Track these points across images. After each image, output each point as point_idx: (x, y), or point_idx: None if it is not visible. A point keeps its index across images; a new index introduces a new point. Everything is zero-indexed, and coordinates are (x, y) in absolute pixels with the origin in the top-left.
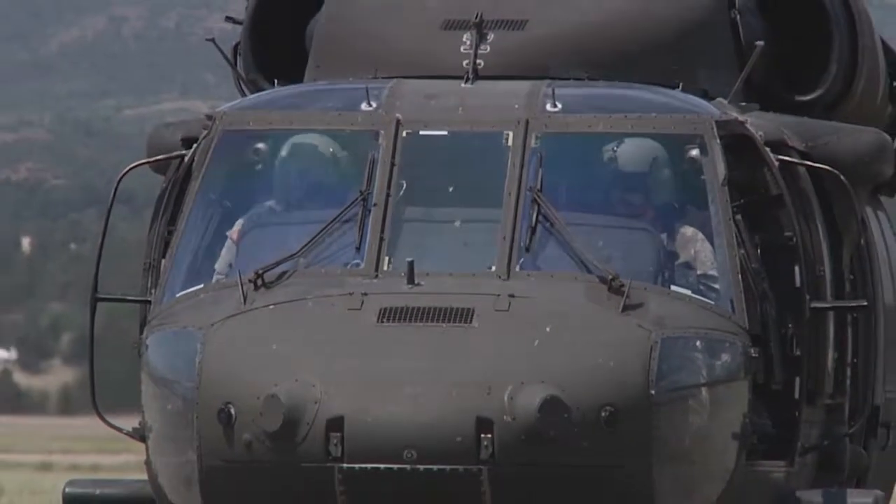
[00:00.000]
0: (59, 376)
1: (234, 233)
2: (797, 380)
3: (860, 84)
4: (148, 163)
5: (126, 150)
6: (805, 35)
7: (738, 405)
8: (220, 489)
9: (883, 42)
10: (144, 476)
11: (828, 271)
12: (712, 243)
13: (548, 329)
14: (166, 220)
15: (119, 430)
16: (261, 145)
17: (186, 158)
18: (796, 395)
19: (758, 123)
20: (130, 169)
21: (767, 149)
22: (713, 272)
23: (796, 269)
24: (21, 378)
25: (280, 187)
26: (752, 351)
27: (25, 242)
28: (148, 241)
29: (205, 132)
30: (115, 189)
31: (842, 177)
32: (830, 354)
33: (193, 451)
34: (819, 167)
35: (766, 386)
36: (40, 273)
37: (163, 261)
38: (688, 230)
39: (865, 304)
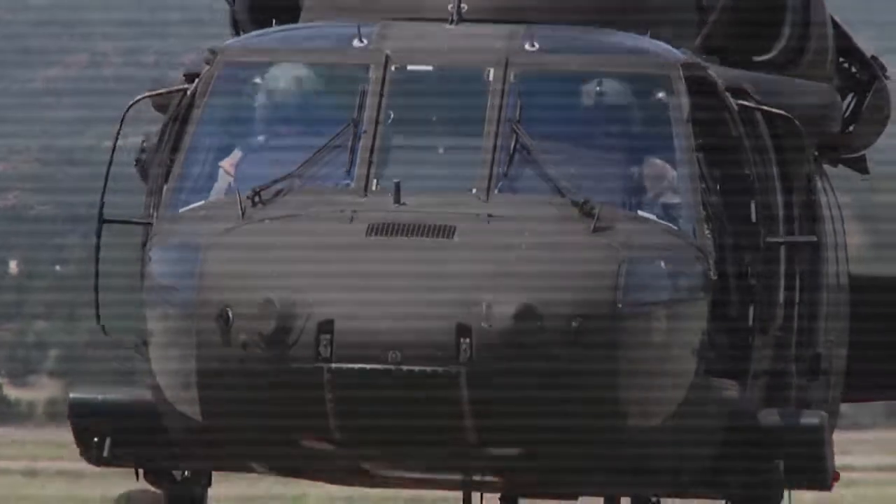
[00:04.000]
0: (45, 390)
1: (227, 163)
2: (751, 308)
3: (811, 48)
4: (154, 95)
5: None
6: (761, 2)
7: (697, 322)
8: (216, 389)
9: (833, 19)
10: None
11: (780, 210)
12: (677, 174)
13: (523, 245)
14: (169, 148)
15: (122, 342)
16: (259, 76)
17: (189, 91)
18: (750, 323)
19: (718, 71)
20: (138, 100)
21: (727, 93)
22: (677, 200)
23: (752, 204)
24: (10, 391)
25: (276, 115)
26: (712, 273)
27: (13, 265)
28: (151, 169)
29: (207, 65)
30: (123, 119)
31: (795, 121)
32: (782, 288)
33: (192, 354)
34: (775, 111)
35: (722, 312)
36: (27, 292)
37: (164, 186)
38: (654, 161)
39: (815, 238)
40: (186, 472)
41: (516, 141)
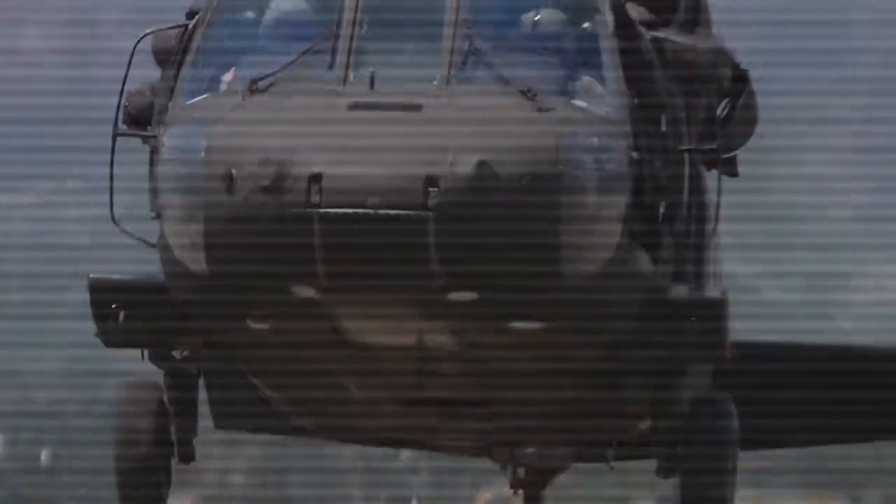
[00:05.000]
0: None
1: (227, 76)
2: (661, 203)
3: (703, 21)
4: (162, 30)
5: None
6: None
7: (622, 191)
8: (220, 237)
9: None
10: None
11: (686, 126)
12: (604, 76)
13: (480, 118)
14: (174, 73)
15: (131, 234)
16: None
17: (191, 25)
18: (660, 214)
19: (635, 10)
20: (147, 35)
21: (643, 28)
22: (605, 92)
23: (663, 119)
24: None
25: (268, 30)
26: (634, 154)
27: None
28: (160, 90)
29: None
30: (133, 51)
31: (699, 48)
32: (686, 189)
33: (200, 212)
34: (682, 43)
35: (640, 201)
36: None
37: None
38: (585, 62)
39: (716, 147)
40: (185, 352)
41: (470, 44)
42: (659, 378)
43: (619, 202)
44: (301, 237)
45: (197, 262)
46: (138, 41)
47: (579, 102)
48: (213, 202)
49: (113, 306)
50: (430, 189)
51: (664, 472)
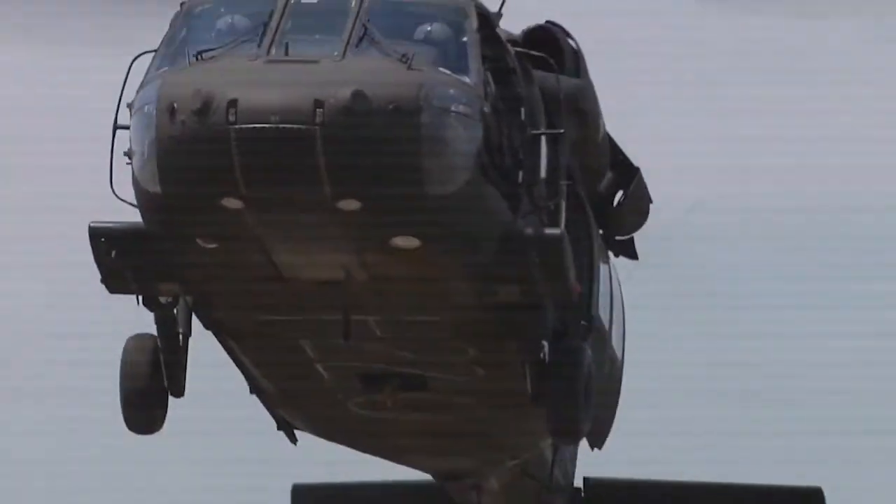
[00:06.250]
0: None
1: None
2: (520, 172)
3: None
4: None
5: None
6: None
7: (474, 128)
8: (168, 158)
9: (608, 136)
10: None
11: (543, 117)
12: (467, 62)
13: (363, 69)
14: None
15: (124, 200)
16: (210, 6)
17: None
18: (520, 178)
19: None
20: (140, 55)
21: (508, 45)
22: (466, 68)
23: (522, 110)
24: None
25: (219, 28)
26: (486, 108)
27: None
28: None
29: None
30: (130, 66)
31: (552, 62)
32: (542, 167)
33: (154, 140)
34: (538, 55)
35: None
36: None
37: None
38: (452, 46)
39: (562, 131)
40: (168, 299)
41: (365, 32)
42: (521, 313)
43: (470, 137)
44: (223, 149)
45: (154, 183)
46: (134, 59)
47: (444, 70)
48: (161, 128)
49: (112, 253)
50: (318, 109)
51: (534, 399)
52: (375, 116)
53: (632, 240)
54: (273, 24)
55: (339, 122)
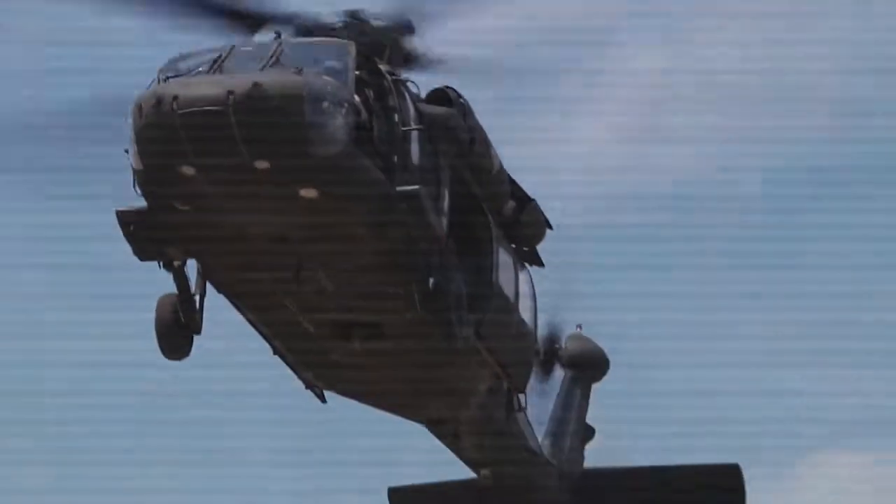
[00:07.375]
0: None
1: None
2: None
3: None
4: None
5: None
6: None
7: (346, 116)
8: (142, 143)
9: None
10: None
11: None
12: (345, 78)
13: (266, 74)
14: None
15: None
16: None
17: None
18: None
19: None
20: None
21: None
22: (344, 81)
23: (396, 116)
24: None
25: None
26: (356, 99)
27: None
28: None
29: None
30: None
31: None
32: (414, 153)
33: (131, 130)
34: (402, 79)
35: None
36: None
37: None
38: (335, 70)
39: (422, 127)
40: (177, 263)
41: (276, 61)
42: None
43: (342, 118)
44: (169, 122)
45: (138, 163)
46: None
47: (326, 77)
48: (134, 121)
49: (131, 228)
50: (230, 96)
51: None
52: (270, 100)
53: (535, 251)
54: (219, 59)
55: (244, 104)
